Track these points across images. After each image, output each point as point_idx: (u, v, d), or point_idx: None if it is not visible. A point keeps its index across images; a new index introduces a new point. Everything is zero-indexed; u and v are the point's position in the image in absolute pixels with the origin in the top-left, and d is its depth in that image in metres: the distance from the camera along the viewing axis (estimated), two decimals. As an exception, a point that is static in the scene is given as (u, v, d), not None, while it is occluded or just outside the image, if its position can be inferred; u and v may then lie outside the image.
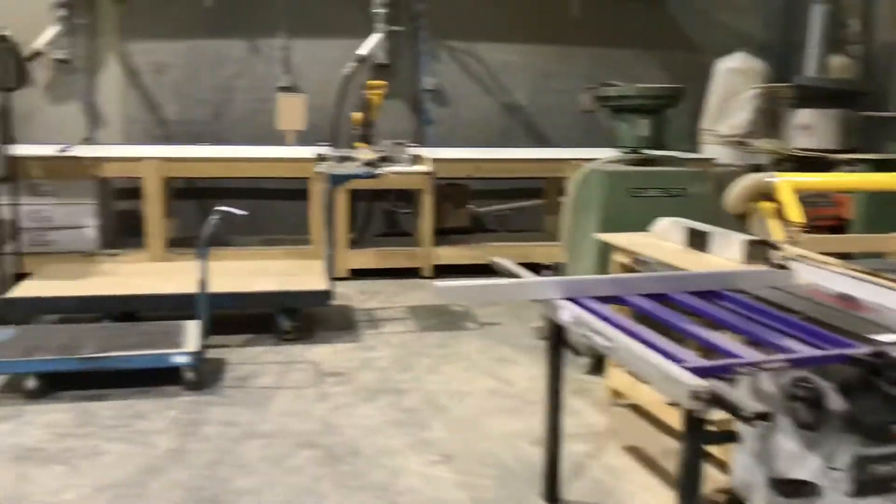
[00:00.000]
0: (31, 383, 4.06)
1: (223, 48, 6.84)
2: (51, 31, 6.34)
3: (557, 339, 2.89)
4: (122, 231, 6.52)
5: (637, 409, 3.92)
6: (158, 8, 6.69)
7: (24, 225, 5.77)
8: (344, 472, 3.37)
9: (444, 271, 6.66)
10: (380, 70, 6.90)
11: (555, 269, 4.68)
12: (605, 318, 2.35)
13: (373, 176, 5.22)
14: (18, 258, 5.64)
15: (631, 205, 4.38)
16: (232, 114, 6.96)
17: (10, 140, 5.56)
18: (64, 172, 5.95)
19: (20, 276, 5.37)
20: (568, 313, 2.43)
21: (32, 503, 3.08)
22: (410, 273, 6.64)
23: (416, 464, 3.46)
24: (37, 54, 6.34)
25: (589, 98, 4.96)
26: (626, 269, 3.77)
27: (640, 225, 4.01)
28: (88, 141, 6.54)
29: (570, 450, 3.28)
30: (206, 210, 7.05)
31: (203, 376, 4.27)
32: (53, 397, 4.06)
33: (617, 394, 4.02)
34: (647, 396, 3.71)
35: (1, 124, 5.41)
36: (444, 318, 5.58)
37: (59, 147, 6.10)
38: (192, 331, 4.43)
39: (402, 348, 4.96)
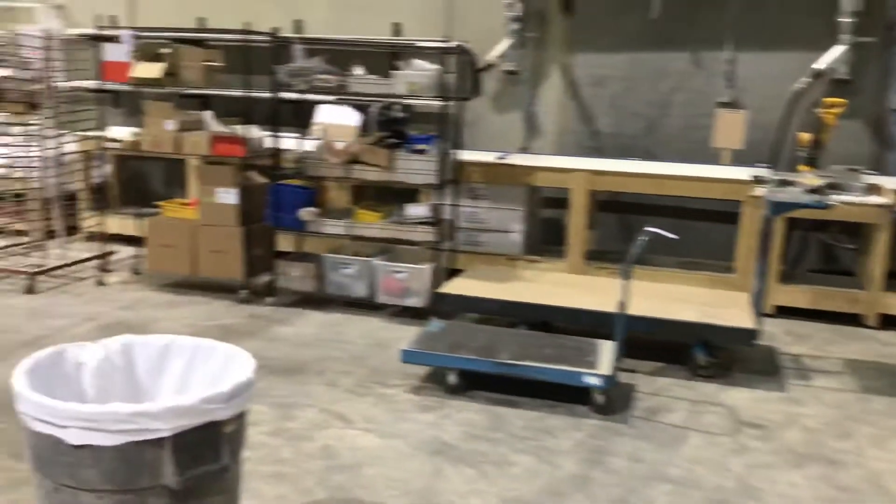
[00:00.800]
0: (452, 378, 4.26)
1: (664, 61, 6.62)
2: (503, 44, 6.72)
3: None
4: (545, 238, 6.67)
5: None
6: (604, 20, 6.70)
7: (461, 225, 6.19)
8: (763, 548, 2.93)
9: (892, 323, 5.68)
10: (838, 86, 6.10)
11: None
12: None
13: (823, 206, 4.56)
14: (454, 255, 6.07)
15: None
16: (665, 129, 6.72)
17: (459, 146, 6.00)
18: (500, 178, 6.25)
19: (453, 272, 5.76)
20: None
21: (442, 502, 3.17)
22: (848, 319, 5.77)
23: (855, 560, 2.88)
24: (489, 66, 6.77)
25: None
26: None
27: None
28: (524, 150, 6.81)
29: None
30: (627, 225, 6.99)
31: (612, 401, 4.11)
32: (470, 396, 4.22)
33: None
34: None
35: (453, 131, 5.85)
36: (892, 380, 4.71)
37: (497, 154, 6.43)
38: (605, 352, 4.30)
39: (837, 409, 4.27)
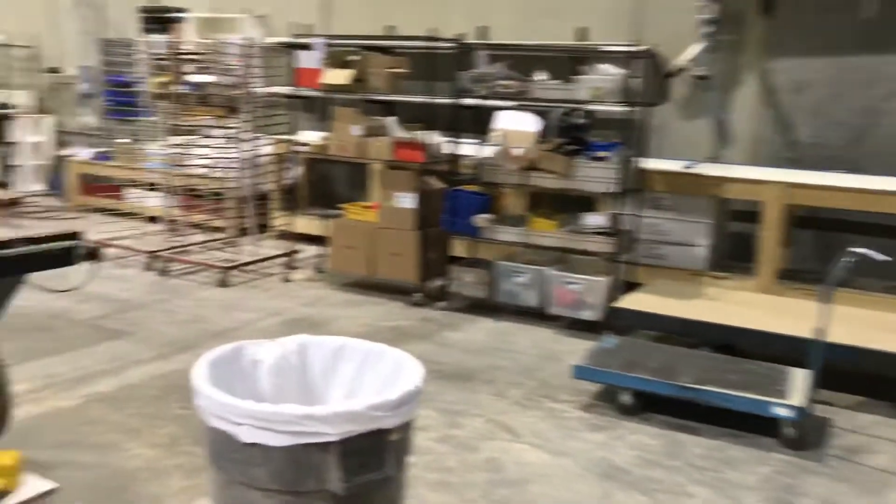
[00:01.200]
0: (625, 398, 4.06)
1: (877, 65, 6.01)
2: (695, 48, 6.37)
3: None
4: (732, 254, 6.25)
5: None
6: (808, 22, 6.19)
7: (641, 236, 5.93)
8: None
9: None
10: None
11: None
12: None
13: None
14: (632, 268, 5.82)
15: None
16: (876, 139, 6.10)
17: (643, 153, 5.74)
18: (685, 189, 5.92)
19: (631, 286, 5.52)
20: None
21: (612, 530, 3.00)
22: None
23: None
24: (678, 70, 6.45)
25: None
26: None
27: None
28: (713, 159, 6.43)
29: None
30: (826, 243, 6.40)
31: (804, 435, 3.75)
32: (644, 418, 4.00)
33: None
34: None
35: (637, 138, 5.62)
36: None
37: (684, 163, 6.11)
38: (798, 381, 3.93)
39: None
